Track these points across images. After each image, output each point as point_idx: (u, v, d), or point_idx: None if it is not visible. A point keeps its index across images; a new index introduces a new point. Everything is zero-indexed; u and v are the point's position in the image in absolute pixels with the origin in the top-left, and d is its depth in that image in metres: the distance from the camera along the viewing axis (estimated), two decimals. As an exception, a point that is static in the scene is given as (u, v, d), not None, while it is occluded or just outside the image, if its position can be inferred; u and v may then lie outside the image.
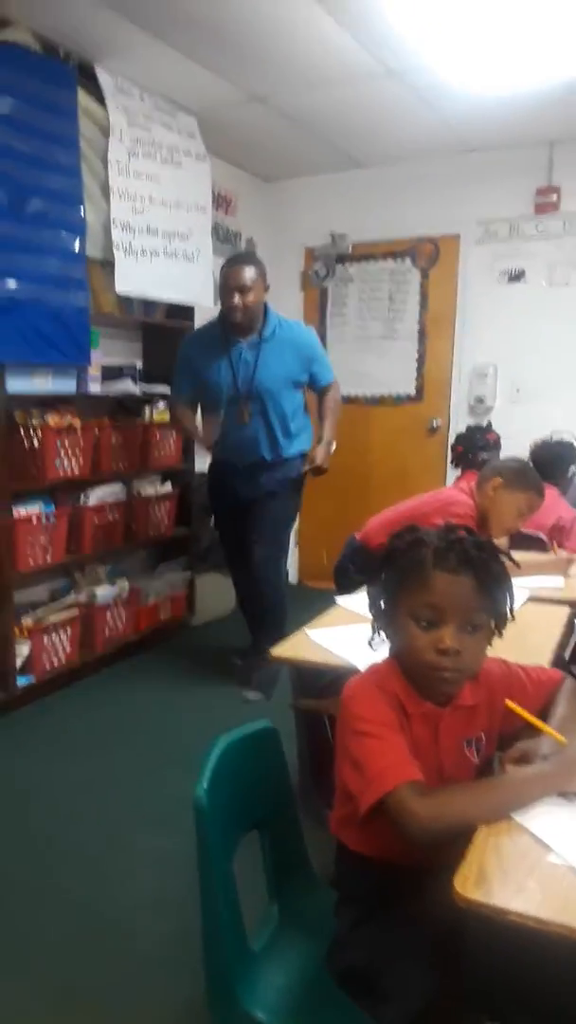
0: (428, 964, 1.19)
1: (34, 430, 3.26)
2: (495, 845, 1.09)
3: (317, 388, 3.57)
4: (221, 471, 3.65)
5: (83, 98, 3.37)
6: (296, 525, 5.25)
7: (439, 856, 1.13)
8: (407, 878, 1.27)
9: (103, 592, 3.69)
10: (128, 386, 3.79)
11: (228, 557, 3.83)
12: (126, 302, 3.76)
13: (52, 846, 2.37)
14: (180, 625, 4.29)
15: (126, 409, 3.88)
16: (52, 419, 3.33)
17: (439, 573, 1.28)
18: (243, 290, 3.25)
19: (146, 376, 4.02)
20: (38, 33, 3.12)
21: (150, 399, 3.94)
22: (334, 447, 3.57)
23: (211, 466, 3.72)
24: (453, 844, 1.12)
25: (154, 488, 4.03)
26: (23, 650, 3.29)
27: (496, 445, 4.47)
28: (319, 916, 1.43)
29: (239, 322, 3.32)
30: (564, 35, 3.11)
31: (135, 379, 3.87)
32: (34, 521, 3.29)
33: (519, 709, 1.36)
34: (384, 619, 1.36)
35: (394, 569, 1.34)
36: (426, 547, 1.30)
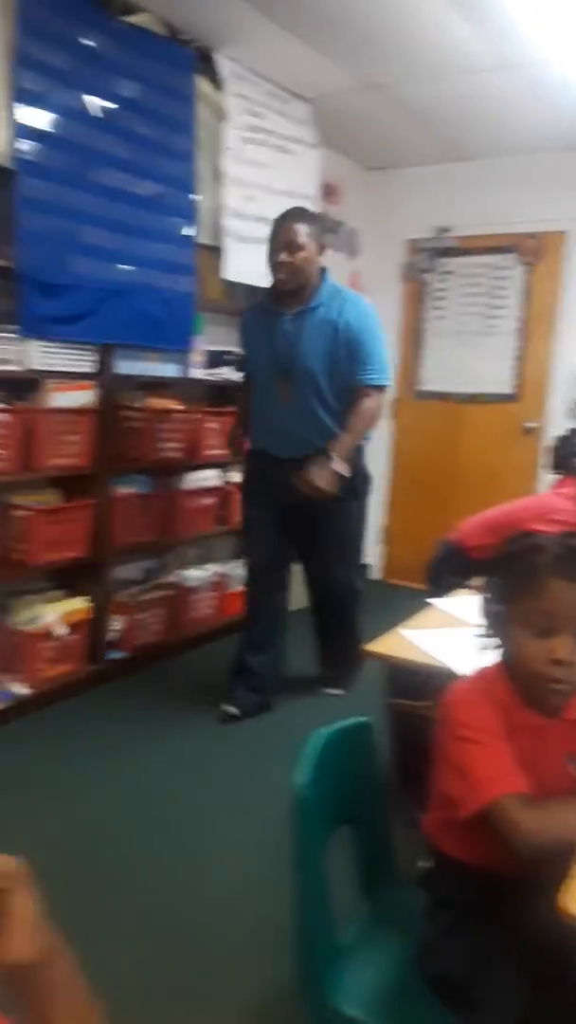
0: (528, 977, 1.18)
1: (137, 411, 3.34)
2: (602, 865, 1.08)
3: (351, 385, 2.93)
4: (260, 466, 3.14)
5: (201, 84, 3.41)
6: (383, 522, 5.25)
7: (541, 868, 1.11)
8: (507, 887, 1.26)
9: (193, 575, 3.76)
10: (228, 373, 3.83)
11: (255, 568, 3.20)
12: (230, 288, 3.80)
13: (132, 825, 2.42)
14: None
15: (225, 396, 3.93)
16: (155, 402, 3.40)
17: (557, 580, 1.25)
18: (291, 247, 2.83)
19: (245, 363, 4.05)
20: (163, 18, 3.17)
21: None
22: (345, 470, 2.90)
23: (248, 458, 3.24)
24: (557, 857, 1.10)
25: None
26: (115, 625, 3.38)
27: (595, 450, 4.34)
28: (407, 916, 1.44)
29: (284, 284, 2.89)
30: None
31: (236, 366, 3.90)
32: (132, 500, 3.37)
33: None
34: (494, 624, 1.35)
35: (508, 573, 1.32)
36: (544, 553, 1.28)
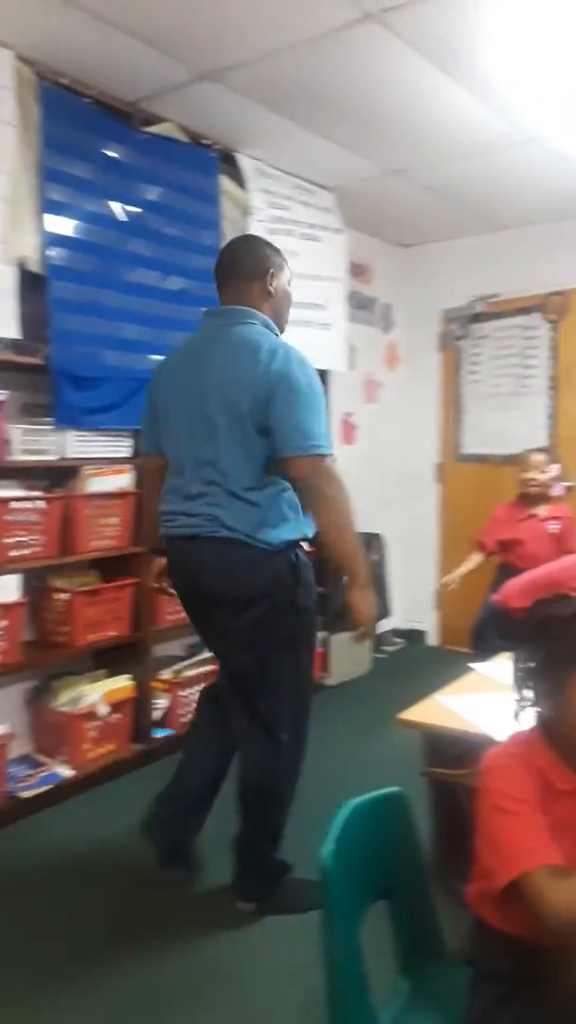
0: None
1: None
2: None
3: (277, 455, 2.02)
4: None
5: (225, 182, 3.58)
6: (436, 587, 5.14)
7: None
8: (552, 958, 1.21)
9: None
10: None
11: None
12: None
13: (176, 902, 2.38)
14: (315, 686, 4.27)
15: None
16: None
17: None
18: None
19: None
20: (185, 126, 3.37)
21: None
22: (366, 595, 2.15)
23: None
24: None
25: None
26: (160, 703, 3.39)
27: None
28: (451, 994, 1.37)
29: None
30: None
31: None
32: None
33: None
34: (539, 689, 1.31)
35: (561, 640, 1.27)
36: None
